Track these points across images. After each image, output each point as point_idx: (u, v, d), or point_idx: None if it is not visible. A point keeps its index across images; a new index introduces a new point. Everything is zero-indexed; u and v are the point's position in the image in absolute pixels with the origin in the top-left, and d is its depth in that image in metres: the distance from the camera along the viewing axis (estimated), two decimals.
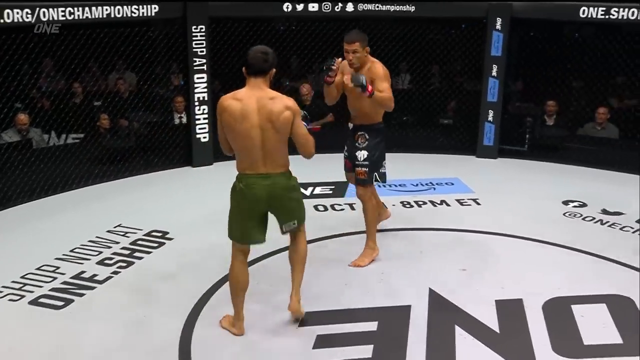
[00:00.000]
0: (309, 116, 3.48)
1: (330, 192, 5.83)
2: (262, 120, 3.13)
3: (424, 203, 5.56)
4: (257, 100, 3.13)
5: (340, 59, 3.95)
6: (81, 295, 3.84)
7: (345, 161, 4.44)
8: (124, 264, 4.28)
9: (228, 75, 7.01)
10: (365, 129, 4.19)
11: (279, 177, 3.24)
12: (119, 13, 5.73)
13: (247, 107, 3.13)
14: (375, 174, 4.21)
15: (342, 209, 5.38)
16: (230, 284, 3.39)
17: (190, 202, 5.54)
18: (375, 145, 4.17)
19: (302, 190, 5.74)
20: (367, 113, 4.16)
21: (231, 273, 3.37)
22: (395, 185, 5.99)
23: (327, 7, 6.73)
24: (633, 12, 6.14)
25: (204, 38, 6.37)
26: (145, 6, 5.89)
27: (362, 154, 4.17)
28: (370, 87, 3.86)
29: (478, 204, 5.56)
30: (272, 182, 3.22)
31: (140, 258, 4.40)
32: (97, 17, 5.58)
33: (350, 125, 4.31)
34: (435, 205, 5.51)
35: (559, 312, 3.64)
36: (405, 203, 5.54)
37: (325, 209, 5.41)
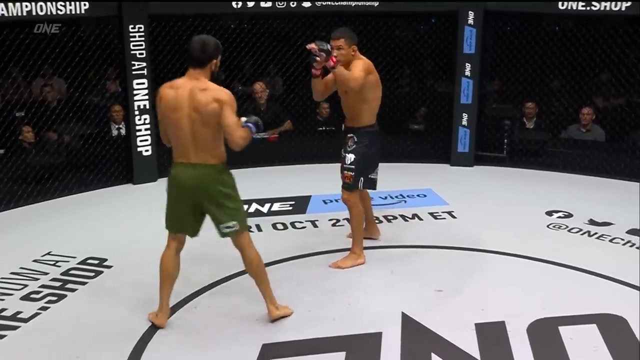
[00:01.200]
0: (260, 123, 3.56)
1: (290, 208, 5.80)
2: (190, 110, 3.42)
3: (394, 217, 5.58)
4: (189, 90, 3.42)
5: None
6: (1, 337, 3.70)
7: (341, 167, 4.60)
8: (54, 298, 4.15)
9: (172, 80, 6.93)
10: (354, 131, 4.45)
11: (208, 168, 3.50)
12: (41, 10, 5.62)
13: (180, 96, 3.43)
14: (362, 179, 4.45)
15: (303, 227, 5.36)
16: (160, 273, 3.71)
17: (132, 224, 5.44)
18: (363, 148, 4.43)
19: (259, 207, 5.79)
20: (355, 114, 4.46)
21: (161, 261, 3.70)
22: None
23: (282, 3, 6.74)
24: (616, 4, 6.32)
25: (143, 39, 6.30)
26: (73, 3, 5.79)
27: (349, 157, 4.45)
28: (334, 59, 4.08)
29: (453, 217, 5.61)
30: (199, 173, 3.50)
31: (73, 290, 4.28)
32: (14, 14, 5.46)
33: (343, 126, 4.59)
34: (406, 220, 5.53)
35: (545, 334, 3.67)
36: (373, 218, 5.54)
37: (285, 227, 5.38)
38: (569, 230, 5.26)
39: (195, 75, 3.46)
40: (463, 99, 7.02)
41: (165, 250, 3.70)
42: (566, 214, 5.61)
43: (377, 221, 5.36)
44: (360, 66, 4.27)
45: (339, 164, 4.58)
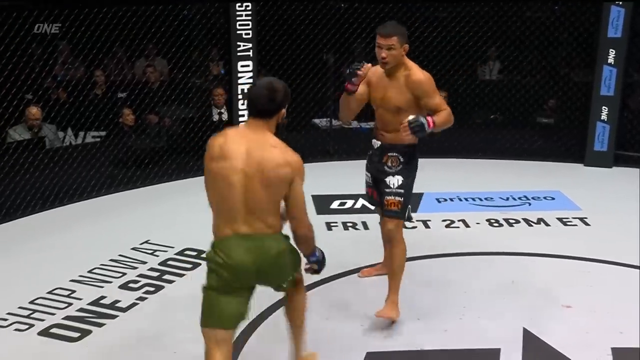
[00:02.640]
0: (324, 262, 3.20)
1: None
2: (249, 165, 2.82)
3: (517, 221, 5.45)
4: (248, 141, 2.86)
5: (369, 65, 3.81)
6: (100, 325, 3.91)
7: (370, 191, 4.16)
8: (152, 289, 4.35)
9: (278, 63, 7.09)
10: (398, 149, 3.88)
11: (268, 240, 2.91)
12: None
13: (232, 145, 2.85)
14: (410, 206, 3.95)
15: (414, 227, 5.30)
16: None
17: None
18: (411, 170, 3.91)
19: (366, 203, 5.73)
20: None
21: None
22: (481, 199, 5.89)
23: None
24: None
25: (249, 19, 6.44)
26: None
27: (395, 180, 3.87)
28: (430, 122, 3.56)
29: (586, 224, 5.42)
30: (258, 245, 2.89)
31: (170, 282, 4.46)
32: None
33: (376, 143, 4.00)
34: (530, 225, 5.40)
35: None
36: (492, 221, 5.44)
37: None
38: None
39: (257, 127, 2.88)
40: (603, 90, 6.73)
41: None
42: None
43: (496, 224, 5.26)
44: (433, 90, 3.75)
45: (376, 180, 4.04)
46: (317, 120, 7.51)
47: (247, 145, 2.85)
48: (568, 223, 5.43)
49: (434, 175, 6.20)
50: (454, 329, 3.84)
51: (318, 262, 3.16)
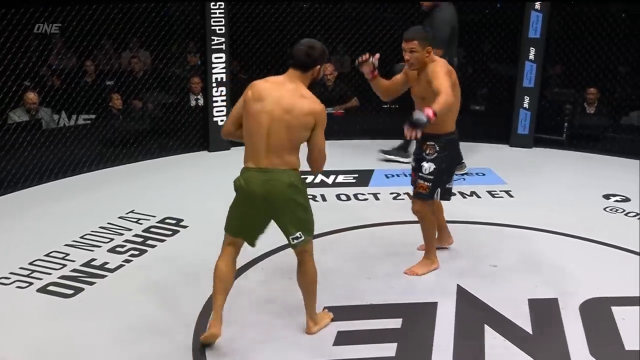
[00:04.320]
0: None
1: (354, 180, 5.80)
2: (276, 108, 2.98)
3: (453, 194, 5.45)
4: (284, 90, 3.02)
5: (366, 55, 3.81)
6: (91, 283, 3.88)
7: (413, 174, 4.11)
8: (136, 252, 4.31)
9: (247, 56, 7.01)
10: (435, 138, 3.86)
11: (280, 173, 3.04)
12: None
13: (270, 90, 3.02)
14: (439, 189, 3.93)
15: (365, 199, 5.36)
16: (214, 280, 3.20)
17: (206, 188, 5.55)
18: (444, 157, 3.88)
19: (324, 178, 5.81)
20: (437, 121, 3.67)
21: (217, 268, 3.20)
22: None
23: None
24: None
25: (223, 16, 6.35)
26: None
27: (428, 166, 3.86)
28: (430, 112, 3.31)
29: (511, 196, 5.50)
30: (269, 178, 3.02)
31: (153, 246, 4.42)
32: None
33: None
34: (464, 197, 5.46)
35: (597, 313, 3.58)
36: None
37: (348, 198, 5.40)
38: (625, 214, 5.08)
39: (294, 77, 3.05)
40: (525, 82, 6.81)
41: (220, 257, 3.23)
42: (623, 198, 5.41)
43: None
44: (443, 76, 3.67)
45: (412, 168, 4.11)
46: None
47: (281, 92, 3.01)
48: (496, 195, 5.51)
49: None
50: (398, 286, 3.89)
51: None
